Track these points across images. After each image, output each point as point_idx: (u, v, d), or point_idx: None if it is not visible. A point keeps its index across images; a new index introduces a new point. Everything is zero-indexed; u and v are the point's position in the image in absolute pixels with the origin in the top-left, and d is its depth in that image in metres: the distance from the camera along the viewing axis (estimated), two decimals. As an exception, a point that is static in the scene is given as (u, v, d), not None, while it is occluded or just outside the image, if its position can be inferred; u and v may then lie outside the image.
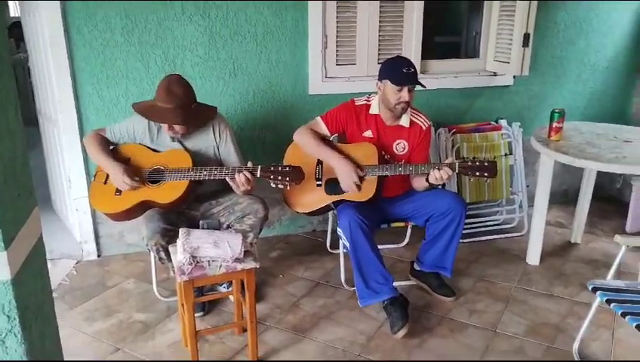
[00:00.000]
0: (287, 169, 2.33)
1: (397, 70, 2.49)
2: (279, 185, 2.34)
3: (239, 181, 2.35)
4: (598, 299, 2.14)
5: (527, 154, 3.55)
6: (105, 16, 2.81)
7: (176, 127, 2.43)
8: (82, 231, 3.12)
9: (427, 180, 2.46)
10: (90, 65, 2.86)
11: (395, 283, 2.55)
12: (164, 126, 2.44)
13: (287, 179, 2.32)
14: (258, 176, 2.35)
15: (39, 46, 3.04)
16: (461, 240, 2.71)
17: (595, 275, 2.97)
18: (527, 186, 3.56)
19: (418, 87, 2.56)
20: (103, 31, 2.83)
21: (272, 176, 2.33)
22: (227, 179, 2.41)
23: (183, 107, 2.38)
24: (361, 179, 2.50)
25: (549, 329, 2.53)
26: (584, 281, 2.70)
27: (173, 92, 2.36)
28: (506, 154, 3.45)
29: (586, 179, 3.34)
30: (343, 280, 2.87)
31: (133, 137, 2.53)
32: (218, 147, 2.56)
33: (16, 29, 5.18)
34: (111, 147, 2.54)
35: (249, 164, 2.36)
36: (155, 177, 2.44)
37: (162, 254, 2.35)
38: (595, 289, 2.13)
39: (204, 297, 2.60)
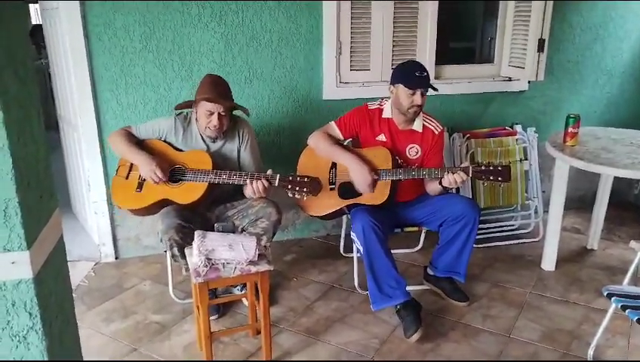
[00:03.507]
0: (306, 180, 2.36)
1: (410, 74, 2.51)
2: (296, 195, 2.37)
3: (255, 188, 2.38)
4: (613, 305, 2.12)
5: (542, 159, 3.53)
6: (124, 24, 2.87)
7: (224, 120, 2.49)
8: (100, 234, 3.18)
9: (441, 183, 2.47)
10: (109, 71, 2.93)
11: (409, 288, 2.56)
12: (213, 122, 2.45)
13: (305, 189, 2.35)
14: (276, 185, 2.39)
15: (60, 53, 3.12)
16: (475, 246, 2.70)
17: (611, 281, 2.94)
18: (544, 192, 3.53)
19: (432, 93, 2.57)
20: (122, 38, 2.89)
21: (289, 186, 2.36)
22: (243, 183, 2.43)
23: (228, 96, 2.52)
24: (375, 181, 2.52)
25: (563, 336, 2.51)
26: (600, 287, 2.66)
27: (219, 83, 2.51)
28: (521, 160, 3.44)
29: (602, 184, 3.31)
30: (356, 284, 2.88)
31: (158, 136, 2.59)
32: (239, 151, 2.61)
33: (36, 36, 5.31)
34: None
35: (268, 172, 2.40)
36: (175, 176, 2.49)
37: (175, 251, 2.38)
38: (610, 295, 2.11)
39: (218, 299, 2.63)
